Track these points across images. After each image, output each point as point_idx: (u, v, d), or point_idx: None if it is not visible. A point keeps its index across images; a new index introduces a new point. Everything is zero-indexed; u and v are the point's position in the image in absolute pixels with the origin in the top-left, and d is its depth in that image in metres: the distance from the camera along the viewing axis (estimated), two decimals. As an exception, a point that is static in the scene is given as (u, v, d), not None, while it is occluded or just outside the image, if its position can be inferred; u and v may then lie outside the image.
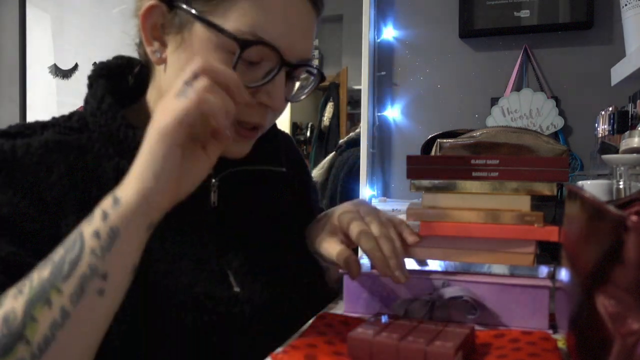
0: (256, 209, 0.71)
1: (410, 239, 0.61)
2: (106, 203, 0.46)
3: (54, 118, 0.63)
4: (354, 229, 0.60)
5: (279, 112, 0.63)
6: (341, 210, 0.64)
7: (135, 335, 0.53)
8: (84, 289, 0.43)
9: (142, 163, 0.46)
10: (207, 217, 0.64)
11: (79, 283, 0.43)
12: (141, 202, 0.46)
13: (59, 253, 0.45)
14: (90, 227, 0.45)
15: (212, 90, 0.47)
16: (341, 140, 2.11)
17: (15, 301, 0.44)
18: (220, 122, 0.47)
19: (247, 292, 0.61)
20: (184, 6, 0.56)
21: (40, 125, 0.60)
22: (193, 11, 0.55)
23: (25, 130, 0.59)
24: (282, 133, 0.83)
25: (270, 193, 0.74)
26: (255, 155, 0.69)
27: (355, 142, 2.00)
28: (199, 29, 0.56)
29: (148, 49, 0.60)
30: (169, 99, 0.47)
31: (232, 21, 0.54)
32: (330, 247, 0.62)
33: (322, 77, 0.65)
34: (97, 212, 0.46)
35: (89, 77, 0.64)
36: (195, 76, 0.47)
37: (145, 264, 0.57)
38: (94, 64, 0.67)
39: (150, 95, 0.65)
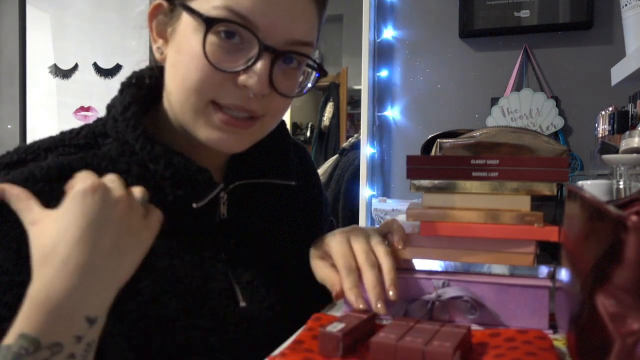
0: (265, 221, 0.70)
1: (398, 246, 0.61)
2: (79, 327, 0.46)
3: (61, 133, 0.62)
4: (339, 261, 0.60)
5: (275, 100, 0.59)
6: (331, 237, 0.64)
7: (142, 357, 0.53)
8: None
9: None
10: (215, 232, 0.64)
11: None
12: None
13: None
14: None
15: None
16: (344, 144, 2.11)
17: None
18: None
19: (255, 308, 0.61)
20: None
21: (45, 148, 0.59)
22: (180, 0, 0.57)
23: (28, 156, 0.58)
24: (297, 145, 0.82)
25: (280, 206, 0.73)
26: (264, 167, 0.69)
27: (358, 145, 2.01)
28: (184, 17, 0.56)
29: (154, 47, 0.61)
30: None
31: (209, 1, 0.54)
32: (322, 272, 0.62)
33: (321, 69, 0.62)
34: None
35: (122, 84, 0.64)
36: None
37: (156, 283, 0.57)
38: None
39: (165, 98, 0.64)
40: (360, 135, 1.93)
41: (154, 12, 0.60)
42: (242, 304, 0.61)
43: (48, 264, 0.46)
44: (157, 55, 0.61)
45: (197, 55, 0.54)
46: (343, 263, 0.59)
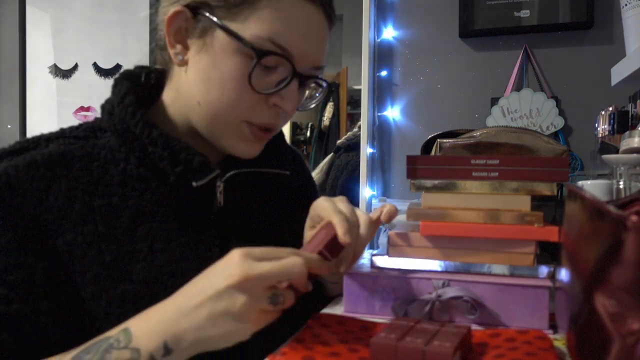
0: (260, 210, 0.72)
1: (384, 217, 0.62)
2: (156, 347, 0.47)
3: (61, 129, 0.65)
4: (327, 211, 0.59)
5: (290, 115, 0.65)
6: (318, 201, 0.64)
7: None
8: None
9: (215, 331, 0.47)
10: (212, 219, 0.65)
11: None
12: (192, 353, 0.48)
13: None
14: None
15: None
16: (339, 142, 2.10)
17: None
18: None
19: None
20: (207, 14, 0.60)
21: (45, 138, 0.62)
22: (215, 19, 0.59)
23: (30, 145, 0.60)
24: (290, 148, 0.85)
25: (274, 195, 0.75)
26: (260, 158, 0.70)
27: (354, 145, 2.01)
28: (220, 34, 0.59)
29: (171, 51, 0.63)
30: (261, 288, 0.47)
31: (251, 28, 0.58)
32: (309, 233, 0.63)
33: (330, 90, 0.69)
34: (144, 354, 0.47)
35: (115, 79, 0.67)
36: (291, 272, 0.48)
37: (152, 264, 0.59)
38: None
39: (167, 96, 0.67)
40: (356, 132, 1.94)
41: (173, 18, 0.61)
42: None
43: (192, 300, 0.48)
44: (175, 60, 0.63)
45: (237, 77, 0.59)
46: (332, 209, 0.58)
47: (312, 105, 0.69)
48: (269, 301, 0.46)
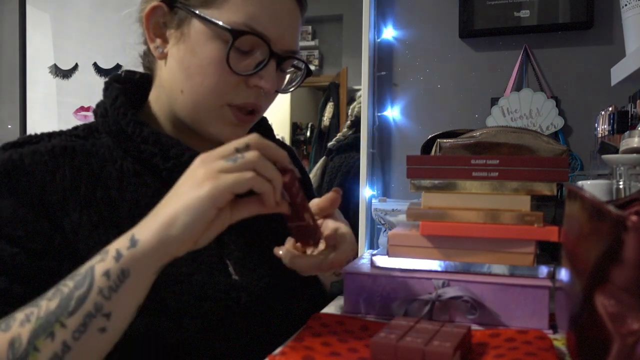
0: None
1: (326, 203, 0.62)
2: (122, 242, 0.46)
3: (60, 130, 0.67)
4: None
5: (270, 95, 0.67)
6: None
7: (136, 322, 0.54)
8: (87, 326, 0.45)
9: (173, 207, 0.46)
10: None
11: (83, 320, 0.45)
12: (159, 247, 0.45)
13: (68, 286, 0.46)
14: (102, 266, 0.46)
15: (262, 164, 0.47)
16: (330, 144, 2.10)
17: (22, 328, 0.45)
18: (270, 202, 0.49)
19: (246, 280, 0.64)
20: (182, 4, 0.62)
21: (47, 135, 0.65)
22: (190, 9, 0.62)
23: (33, 139, 0.63)
24: (283, 144, 0.88)
25: None
26: None
27: (345, 147, 2.01)
28: (196, 23, 0.62)
29: (151, 46, 0.66)
30: (215, 158, 0.47)
31: (226, 13, 0.61)
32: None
33: (308, 71, 0.70)
34: (112, 250, 0.46)
35: (106, 83, 0.70)
36: (247, 147, 0.48)
37: None
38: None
39: (152, 94, 0.71)
40: (345, 133, 1.94)
41: (151, 14, 0.64)
42: (235, 277, 0.64)
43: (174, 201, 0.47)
44: (155, 54, 0.66)
45: (215, 61, 0.61)
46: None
47: (293, 89, 0.72)
48: (228, 162, 0.46)
